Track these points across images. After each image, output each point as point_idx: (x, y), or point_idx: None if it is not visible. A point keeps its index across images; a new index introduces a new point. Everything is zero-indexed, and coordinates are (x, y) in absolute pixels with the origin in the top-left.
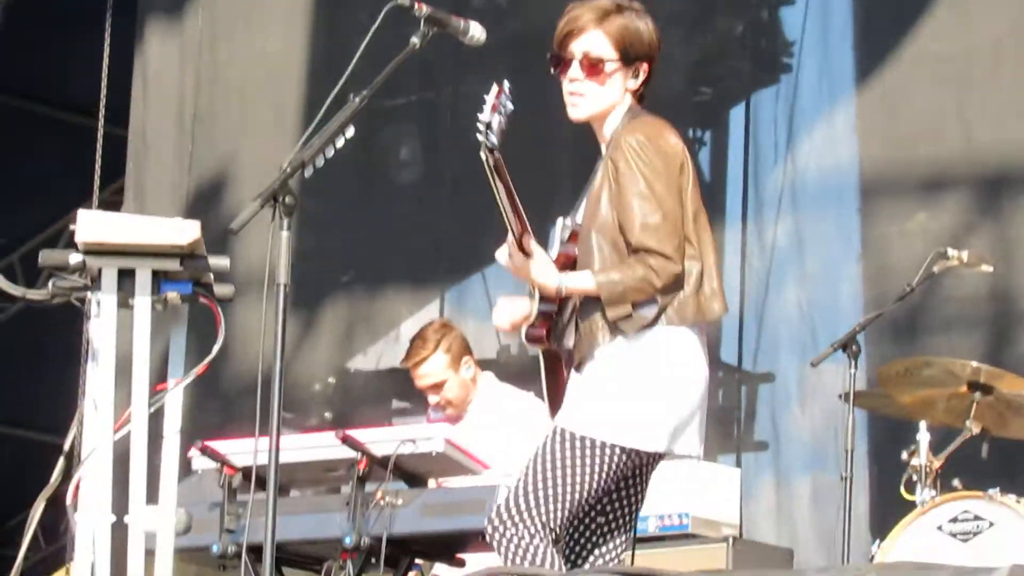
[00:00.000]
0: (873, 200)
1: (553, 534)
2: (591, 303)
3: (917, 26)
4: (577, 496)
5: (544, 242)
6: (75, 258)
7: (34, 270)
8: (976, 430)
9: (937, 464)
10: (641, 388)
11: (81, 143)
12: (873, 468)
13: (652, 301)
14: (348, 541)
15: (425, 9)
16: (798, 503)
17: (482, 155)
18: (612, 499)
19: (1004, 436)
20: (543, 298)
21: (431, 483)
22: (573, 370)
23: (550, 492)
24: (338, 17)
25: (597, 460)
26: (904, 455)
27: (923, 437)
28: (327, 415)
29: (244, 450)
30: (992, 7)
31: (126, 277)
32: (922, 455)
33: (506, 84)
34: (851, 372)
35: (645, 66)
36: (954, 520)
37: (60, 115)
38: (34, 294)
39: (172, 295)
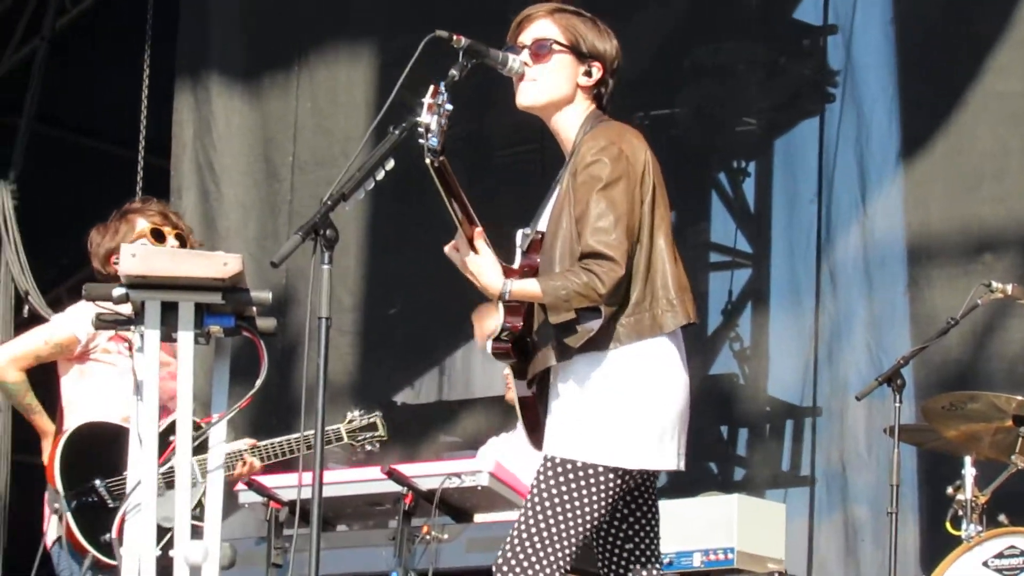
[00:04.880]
0: (926, 244)
1: (562, 569)
2: (548, 322)
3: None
4: (579, 526)
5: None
6: (118, 291)
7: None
8: (1022, 464)
9: (983, 499)
10: (616, 406)
11: (124, 174)
12: (921, 503)
13: (596, 312)
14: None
15: (464, 41)
16: (845, 539)
17: (426, 159)
18: (631, 523)
19: None
20: (508, 311)
21: (477, 517)
22: (530, 388)
23: (552, 528)
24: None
25: (589, 484)
26: (950, 490)
27: (968, 472)
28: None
29: (290, 484)
30: None
31: (170, 311)
32: (967, 490)
33: (442, 84)
34: (896, 406)
35: (599, 66)
36: (999, 556)
37: (102, 146)
38: None
39: (215, 329)
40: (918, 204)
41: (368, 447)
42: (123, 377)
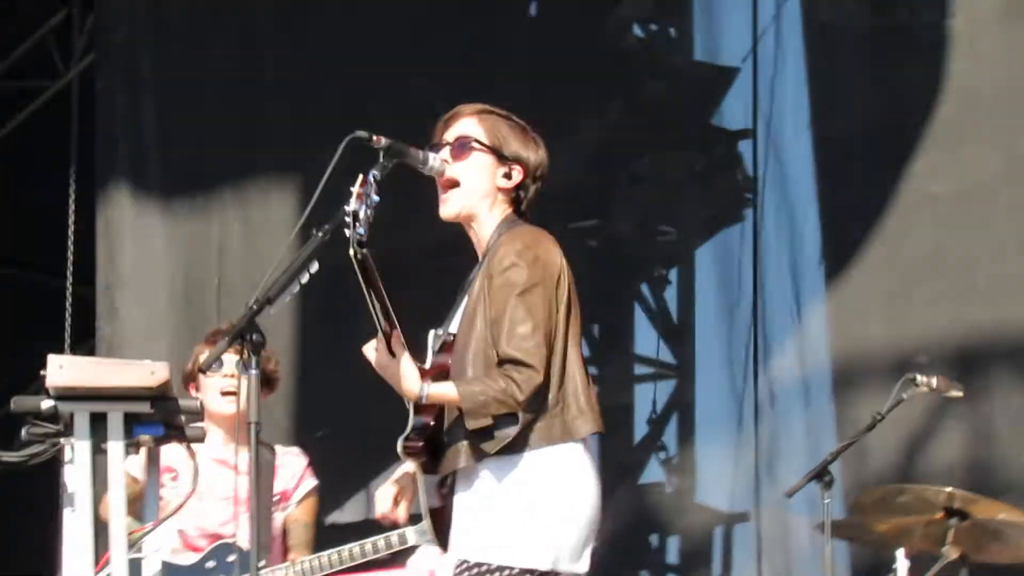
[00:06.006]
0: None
1: None
2: (460, 422)
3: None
4: None
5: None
6: (47, 404)
7: (9, 433)
8: (954, 556)
9: None
10: (523, 508)
11: (51, 304)
12: None
13: (514, 418)
14: None
15: (384, 141)
16: None
17: (350, 251)
18: None
19: (982, 561)
20: (418, 411)
21: None
22: (441, 489)
23: None
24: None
25: None
26: None
27: (901, 565)
28: None
29: None
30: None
31: (99, 421)
32: None
33: (372, 174)
34: (825, 503)
35: (520, 169)
36: None
37: (28, 276)
38: (10, 456)
39: (144, 438)
40: (852, 310)
41: None
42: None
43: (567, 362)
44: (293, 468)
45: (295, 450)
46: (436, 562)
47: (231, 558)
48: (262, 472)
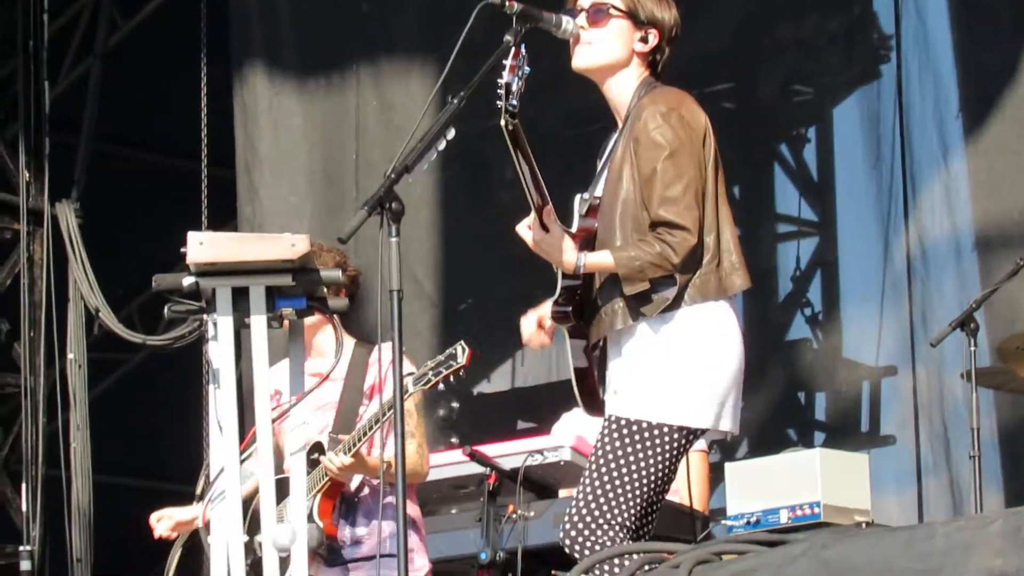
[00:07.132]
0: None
1: (628, 530)
2: (613, 283)
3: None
4: (643, 486)
5: (566, 218)
6: (188, 280)
7: (152, 319)
8: None
9: None
10: (680, 366)
11: (188, 187)
12: (1002, 444)
13: (671, 280)
14: (483, 557)
15: (516, 6)
16: (930, 488)
17: (502, 121)
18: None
19: None
20: (566, 274)
21: (562, 493)
22: (592, 352)
23: (618, 489)
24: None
25: (654, 444)
26: None
27: None
28: (453, 440)
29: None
30: None
31: (240, 296)
32: None
33: (523, 46)
34: (971, 350)
35: (655, 32)
36: None
37: (164, 161)
38: (154, 340)
39: (287, 311)
40: (995, 162)
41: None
42: None
43: (719, 219)
44: (383, 362)
45: (388, 345)
46: (582, 426)
47: (313, 456)
48: (351, 371)
